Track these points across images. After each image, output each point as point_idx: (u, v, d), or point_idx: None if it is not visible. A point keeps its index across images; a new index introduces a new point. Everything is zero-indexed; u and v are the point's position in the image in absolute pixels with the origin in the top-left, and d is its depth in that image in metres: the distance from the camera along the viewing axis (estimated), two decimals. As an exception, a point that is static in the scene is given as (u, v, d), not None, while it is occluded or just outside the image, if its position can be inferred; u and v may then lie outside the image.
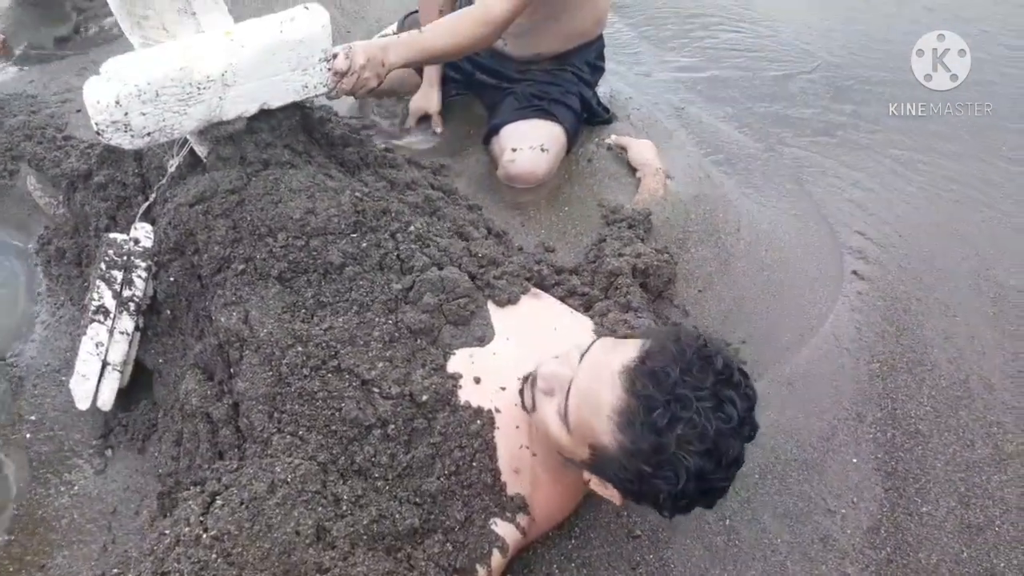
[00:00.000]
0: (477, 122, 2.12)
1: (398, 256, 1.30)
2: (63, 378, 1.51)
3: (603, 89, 2.19)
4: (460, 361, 1.23)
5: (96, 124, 1.13)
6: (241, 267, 1.24)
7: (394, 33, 1.99)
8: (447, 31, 1.52)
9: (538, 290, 1.44)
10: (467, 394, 1.18)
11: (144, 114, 1.15)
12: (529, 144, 1.86)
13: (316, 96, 1.36)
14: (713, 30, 2.97)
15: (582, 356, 1.04)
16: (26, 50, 2.45)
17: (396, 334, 1.23)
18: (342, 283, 1.25)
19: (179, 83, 1.15)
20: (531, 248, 1.72)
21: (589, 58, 2.02)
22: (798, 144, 2.41)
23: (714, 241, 1.84)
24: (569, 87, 1.96)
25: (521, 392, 1.16)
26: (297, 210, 1.25)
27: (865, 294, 1.86)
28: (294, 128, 1.38)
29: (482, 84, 2.07)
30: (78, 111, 2.07)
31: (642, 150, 1.98)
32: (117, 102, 1.11)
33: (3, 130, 1.92)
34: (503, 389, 1.20)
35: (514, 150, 1.85)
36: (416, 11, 2.11)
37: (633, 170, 1.95)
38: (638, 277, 1.60)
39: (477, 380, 1.20)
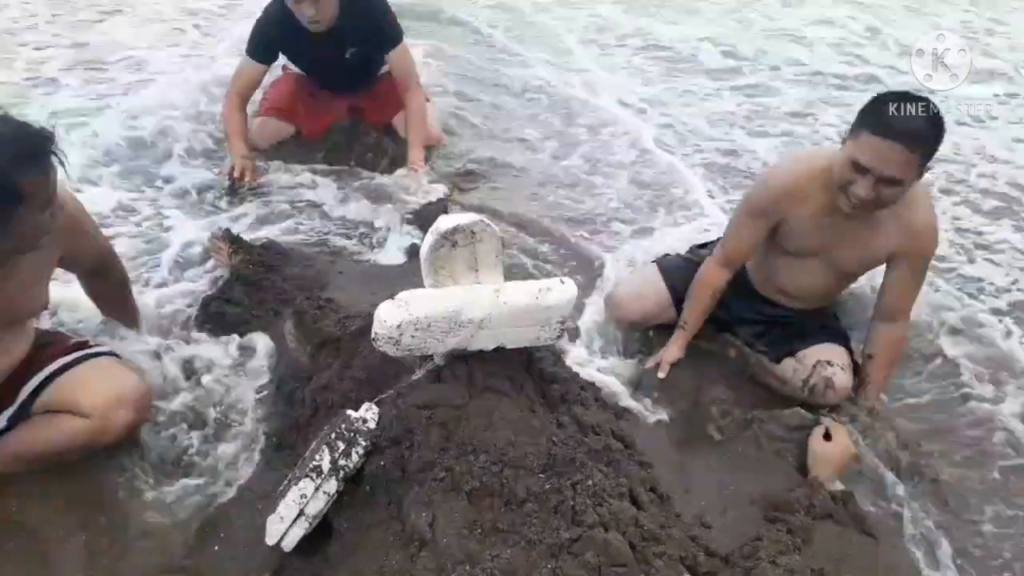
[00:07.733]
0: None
1: (572, 506, 1.44)
2: (259, 507, 1.74)
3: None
4: None
5: (376, 334, 1.42)
6: (442, 474, 1.43)
7: None
8: None
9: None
10: None
11: (414, 336, 1.42)
12: (840, 364, 2.03)
13: (543, 344, 1.60)
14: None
15: None
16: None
17: (553, 581, 1.35)
18: (519, 516, 1.40)
19: (448, 320, 1.42)
20: (688, 518, 1.79)
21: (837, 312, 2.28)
22: None
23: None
24: (838, 325, 2.20)
25: None
26: (501, 439, 1.45)
27: None
28: (516, 364, 1.62)
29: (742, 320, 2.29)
30: (340, 272, 2.49)
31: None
32: (398, 325, 1.39)
33: (282, 276, 2.35)
34: None
35: (831, 365, 2.01)
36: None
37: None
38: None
39: None
